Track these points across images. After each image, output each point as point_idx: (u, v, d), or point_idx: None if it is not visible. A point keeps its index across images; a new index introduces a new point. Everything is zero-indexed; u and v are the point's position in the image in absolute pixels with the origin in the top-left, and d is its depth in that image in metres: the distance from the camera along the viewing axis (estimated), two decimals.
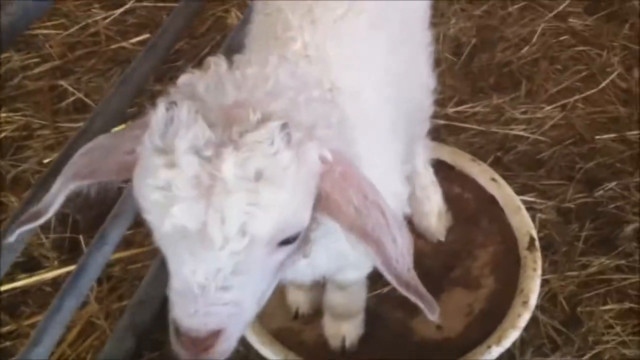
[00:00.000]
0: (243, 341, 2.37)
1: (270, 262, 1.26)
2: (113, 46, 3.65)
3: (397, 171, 1.80)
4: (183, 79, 1.30)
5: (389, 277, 1.32)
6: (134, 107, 3.24)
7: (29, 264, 2.70)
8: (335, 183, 1.27)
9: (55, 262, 2.68)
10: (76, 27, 3.75)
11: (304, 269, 1.61)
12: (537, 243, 2.54)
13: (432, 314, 1.36)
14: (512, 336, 2.29)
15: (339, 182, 1.27)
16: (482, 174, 2.79)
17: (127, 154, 1.30)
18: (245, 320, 1.28)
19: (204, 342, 1.21)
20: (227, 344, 1.25)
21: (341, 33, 1.68)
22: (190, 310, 1.19)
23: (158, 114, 1.20)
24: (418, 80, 2.11)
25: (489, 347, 2.26)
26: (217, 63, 1.31)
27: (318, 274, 1.86)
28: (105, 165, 1.34)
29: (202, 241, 1.15)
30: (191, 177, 1.14)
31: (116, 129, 3.01)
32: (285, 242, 1.25)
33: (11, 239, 1.42)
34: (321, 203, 1.27)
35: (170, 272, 1.23)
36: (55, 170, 1.86)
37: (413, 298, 1.35)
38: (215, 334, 1.21)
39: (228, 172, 1.13)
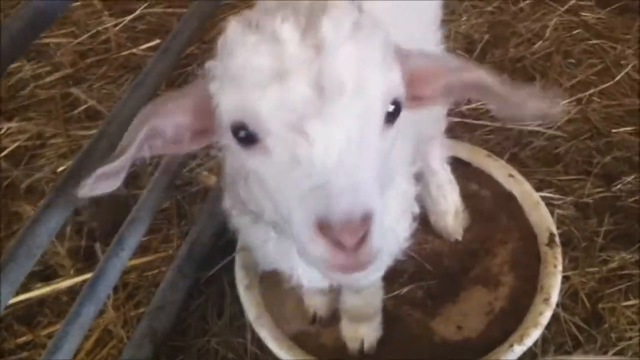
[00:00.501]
0: (262, 346, 2.36)
1: (382, 145, 1.24)
2: (124, 53, 3.66)
3: (404, 171, 1.78)
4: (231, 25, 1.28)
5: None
6: None
7: (45, 273, 2.69)
8: (406, 55, 1.32)
9: (71, 271, 2.67)
10: (86, 35, 3.77)
11: (318, 273, 1.57)
12: (557, 239, 2.50)
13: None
14: (534, 334, 2.25)
15: (409, 55, 1.33)
16: (499, 170, 2.75)
17: (201, 98, 1.29)
18: (382, 221, 1.15)
19: (358, 230, 1.09)
20: (378, 242, 1.13)
21: None
22: (336, 192, 1.10)
23: (233, 25, 1.23)
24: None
25: (511, 345, 2.22)
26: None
27: None
28: (180, 106, 1.33)
29: (326, 106, 1.14)
30: (296, 45, 1.15)
31: None
32: (391, 117, 1.25)
33: (84, 191, 1.31)
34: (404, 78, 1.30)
35: (295, 174, 1.15)
36: (70, 177, 1.86)
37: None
38: (366, 221, 1.09)
39: (330, 30, 1.16)
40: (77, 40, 3.74)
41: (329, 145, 1.13)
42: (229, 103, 1.22)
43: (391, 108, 1.25)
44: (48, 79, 3.54)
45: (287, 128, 1.16)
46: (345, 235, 1.09)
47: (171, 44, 2.21)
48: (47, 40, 3.70)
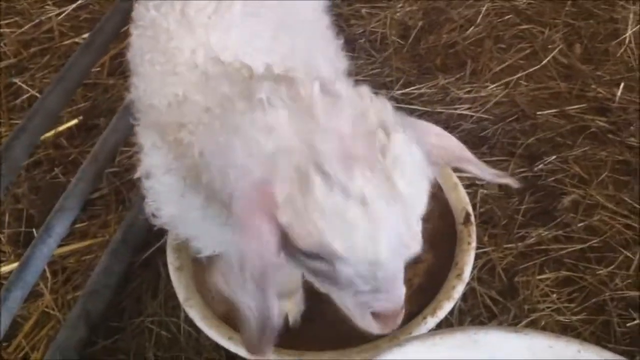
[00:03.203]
0: (195, 325, 2.48)
1: None
2: (66, 42, 3.71)
3: None
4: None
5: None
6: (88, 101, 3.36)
7: None
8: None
9: (12, 257, 2.76)
10: (30, 24, 3.81)
11: None
12: (472, 218, 2.63)
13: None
14: (446, 307, 2.38)
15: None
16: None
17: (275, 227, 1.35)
18: None
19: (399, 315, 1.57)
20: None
21: (221, 28, 1.72)
22: (398, 292, 1.50)
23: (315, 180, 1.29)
24: (319, 63, 2.12)
25: (425, 318, 2.35)
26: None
27: None
28: (269, 247, 1.37)
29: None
30: (383, 208, 1.30)
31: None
32: None
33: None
34: None
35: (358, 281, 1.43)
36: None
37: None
38: (403, 308, 1.56)
39: (405, 187, 1.33)
40: (21, 30, 3.79)
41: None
42: (307, 237, 1.32)
43: None
44: None
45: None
46: (392, 319, 1.57)
47: (94, 38, 2.29)
48: None
